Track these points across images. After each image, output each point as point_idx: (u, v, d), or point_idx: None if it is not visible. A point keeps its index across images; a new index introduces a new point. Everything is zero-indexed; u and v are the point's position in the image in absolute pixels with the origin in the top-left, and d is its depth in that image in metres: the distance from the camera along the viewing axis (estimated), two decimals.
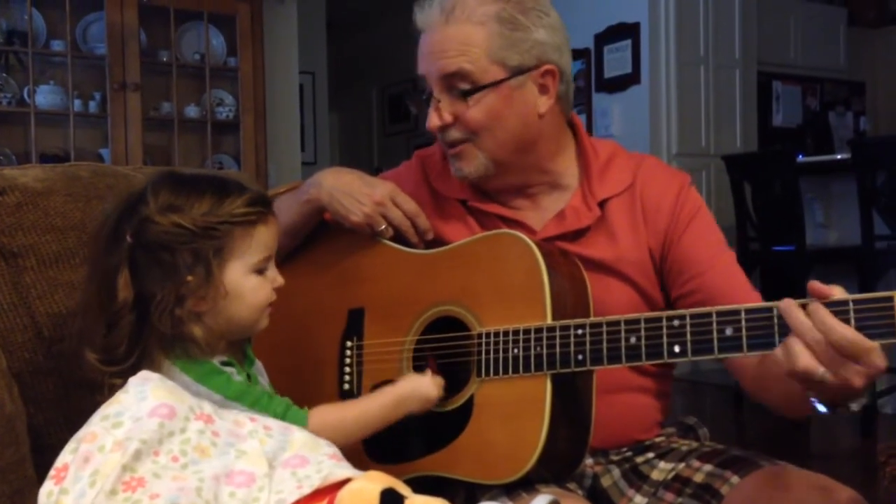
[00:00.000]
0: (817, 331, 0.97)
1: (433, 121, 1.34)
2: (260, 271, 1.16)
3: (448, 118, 1.33)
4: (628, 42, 5.03)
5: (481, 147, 1.34)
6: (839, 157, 4.58)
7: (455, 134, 1.34)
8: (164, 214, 1.10)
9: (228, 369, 1.14)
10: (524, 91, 1.32)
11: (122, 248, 1.11)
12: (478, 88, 1.30)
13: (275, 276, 1.19)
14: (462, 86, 1.31)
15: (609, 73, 5.16)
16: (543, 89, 1.34)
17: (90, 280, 1.16)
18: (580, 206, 1.38)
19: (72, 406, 1.23)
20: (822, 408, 1.08)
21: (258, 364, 1.25)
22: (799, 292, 1.02)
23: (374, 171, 1.62)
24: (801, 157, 4.72)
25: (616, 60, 5.12)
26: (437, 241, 1.40)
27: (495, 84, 1.30)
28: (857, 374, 0.97)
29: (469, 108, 1.31)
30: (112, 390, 1.04)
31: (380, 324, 1.38)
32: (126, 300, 1.10)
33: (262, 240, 1.16)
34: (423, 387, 1.24)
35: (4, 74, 4.22)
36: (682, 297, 1.36)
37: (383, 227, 1.38)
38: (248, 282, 1.15)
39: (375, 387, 1.35)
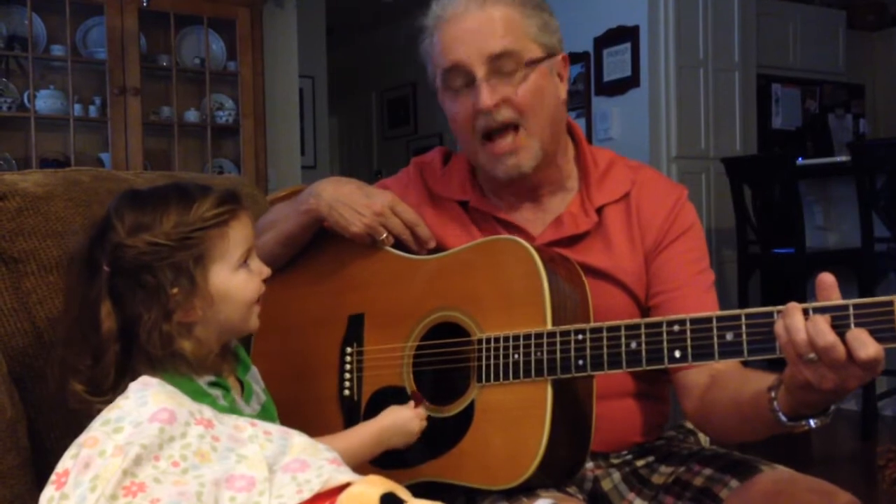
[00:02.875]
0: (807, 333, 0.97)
1: (486, 99, 1.30)
2: (244, 266, 1.14)
3: (498, 97, 1.31)
4: (627, 45, 5.02)
5: (531, 132, 1.33)
6: (839, 159, 4.57)
7: (505, 113, 1.32)
8: (134, 236, 1.08)
9: (214, 392, 1.13)
10: (553, 75, 1.37)
11: (100, 279, 1.09)
12: (526, 64, 1.31)
13: (260, 268, 1.17)
14: (508, 65, 1.31)
15: (608, 76, 5.16)
16: (561, 77, 1.38)
17: (68, 312, 1.14)
18: (578, 212, 1.38)
19: (72, 411, 1.23)
20: (783, 418, 1.08)
21: (253, 370, 1.24)
22: (799, 295, 1.02)
23: (375, 174, 1.63)
24: (800, 159, 4.71)
25: (615, 64, 5.12)
26: (437, 246, 1.40)
27: (537, 62, 1.33)
28: (854, 378, 0.97)
29: (518, 88, 1.32)
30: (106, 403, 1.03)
31: (379, 330, 1.38)
32: (111, 330, 1.08)
33: (238, 236, 1.14)
34: (405, 421, 1.24)
35: (4, 79, 4.22)
36: (649, 309, 1.37)
37: (384, 236, 1.38)
38: (234, 280, 1.13)
39: (376, 393, 1.35)
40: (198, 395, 1.10)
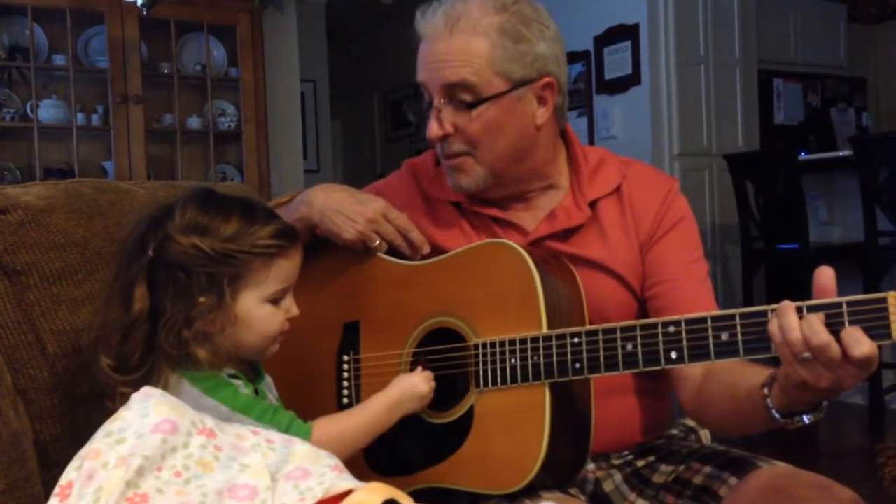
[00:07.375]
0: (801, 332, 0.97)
1: (434, 130, 1.34)
2: (274, 301, 1.16)
3: (449, 128, 1.33)
4: (628, 43, 5.01)
5: (480, 160, 1.35)
6: (842, 153, 4.56)
7: (455, 145, 1.35)
8: (185, 234, 1.10)
9: (235, 381, 1.15)
10: (524, 103, 1.33)
11: (143, 261, 1.12)
12: (481, 100, 1.30)
13: (290, 307, 1.19)
14: (464, 97, 1.31)
15: (609, 74, 5.15)
16: (542, 101, 1.35)
17: (113, 286, 1.16)
18: (571, 207, 1.39)
19: (77, 421, 1.24)
20: (777, 415, 1.09)
21: (268, 379, 1.26)
22: (803, 290, 1.02)
23: (378, 177, 1.63)
24: (803, 154, 4.71)
25: (616, 62, 5.11)
26: (432, 249, 1.40)
27: (498, 96, 1.31)
28: (850, 376, 0.98)
29: (472, 121, 1.32)
30: (122, 399, 1.05)
31: (376, 337, 1.38)
32: (141, 311, 1.11)
33: (281, 273, 1.16)
34: (413, 386, 1.25)
35: (7, 90, 4.24)
36: (645, 300, 1.38)
37: (377, 243, 1.38)
38: (260, 311, 1.15)
39: None
40: (220, 386, 1.12)
